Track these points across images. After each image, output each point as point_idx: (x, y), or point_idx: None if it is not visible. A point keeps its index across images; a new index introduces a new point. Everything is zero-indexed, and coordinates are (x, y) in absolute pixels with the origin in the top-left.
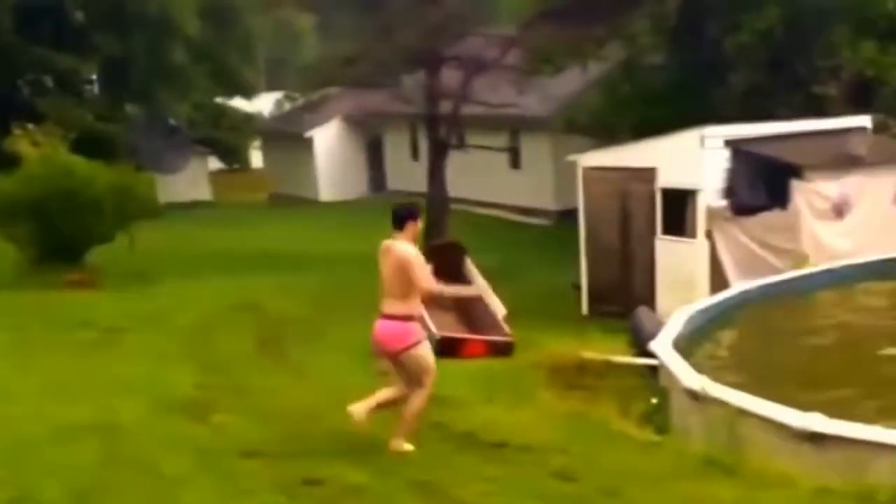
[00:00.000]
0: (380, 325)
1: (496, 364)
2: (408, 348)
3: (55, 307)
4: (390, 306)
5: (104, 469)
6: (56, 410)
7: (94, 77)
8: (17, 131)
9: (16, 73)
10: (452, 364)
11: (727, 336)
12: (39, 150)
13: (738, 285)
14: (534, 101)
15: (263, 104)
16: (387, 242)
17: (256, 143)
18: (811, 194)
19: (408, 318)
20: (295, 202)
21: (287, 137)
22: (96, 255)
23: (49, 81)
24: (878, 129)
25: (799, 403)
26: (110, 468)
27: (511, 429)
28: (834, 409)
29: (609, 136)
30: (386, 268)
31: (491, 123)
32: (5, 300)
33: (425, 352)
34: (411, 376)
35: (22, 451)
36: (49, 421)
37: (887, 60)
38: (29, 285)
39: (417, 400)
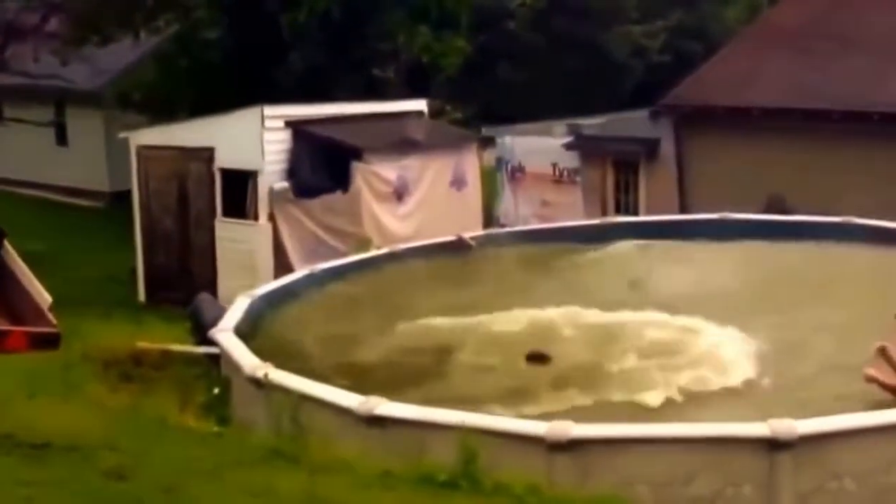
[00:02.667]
0: None
1: (41, 357)
2: None
3: None
4: None
5: None
6: None
7: None
8: None
9: None
10: None
11: (291, 321)
12: None
13: (303, 269)
14: (82, 72)
15: None
16: None
17: None
18: (372, 177)
19: None
20: None
21: None
22: None
23: None
24: (435, 113)
25: (360, 388)
26: None
27: (56, 427)
28: (395, 392)
29: (166, 113)
30: None
31: (33, 96)
32: None
33: None
34: None
35: None
36: None
37: (440, 47)
38: None
39: None
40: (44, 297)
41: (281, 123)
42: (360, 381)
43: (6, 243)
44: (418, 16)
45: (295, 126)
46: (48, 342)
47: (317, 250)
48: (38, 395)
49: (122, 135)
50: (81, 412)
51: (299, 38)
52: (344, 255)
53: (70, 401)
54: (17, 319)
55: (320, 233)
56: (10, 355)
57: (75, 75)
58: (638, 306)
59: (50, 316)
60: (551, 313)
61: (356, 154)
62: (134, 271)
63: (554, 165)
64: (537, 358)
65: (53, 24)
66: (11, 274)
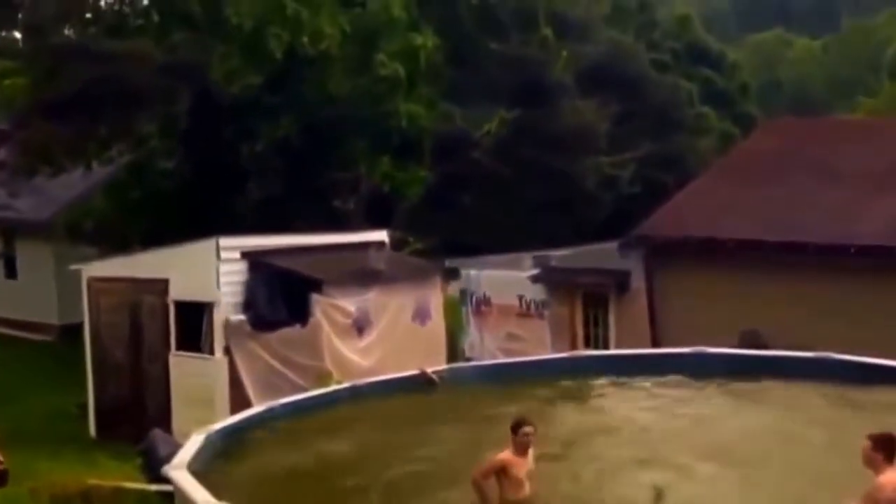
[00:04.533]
0: None
1: None
2: None
3: None
4: None
5: None
6: None
7: None
8: None
9: None
10: None
11: (249, 458)
12: None
13: (261, 404)
14: (31, 203)
15: None
16: None
17: None
18: (331, 309)
19: None
20: None
21: None
22: None
23: None
24: (397, 244)
25: None
26: None
27: None
28: None
29: (118, 244)
30: None
31: None
32: None
33: None
34: None
35: None
36: None
37: (402, 176)
38: None
39: None
40: None
41: (237, 255)
42: None
43: None
44: (380, 144)
45: (252, 257)
46: None
47: (275, 384)
48: None
49: (73, 266)
50: None
51: (257, 167)
52: (303, 389)
53: None
54: None
55: (278, 366)
56: None
57: (24, 206)
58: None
59: None
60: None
61: (315, 286)
62: (84, 406)
63: (520, 298)
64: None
65: (2, 154)
66: None
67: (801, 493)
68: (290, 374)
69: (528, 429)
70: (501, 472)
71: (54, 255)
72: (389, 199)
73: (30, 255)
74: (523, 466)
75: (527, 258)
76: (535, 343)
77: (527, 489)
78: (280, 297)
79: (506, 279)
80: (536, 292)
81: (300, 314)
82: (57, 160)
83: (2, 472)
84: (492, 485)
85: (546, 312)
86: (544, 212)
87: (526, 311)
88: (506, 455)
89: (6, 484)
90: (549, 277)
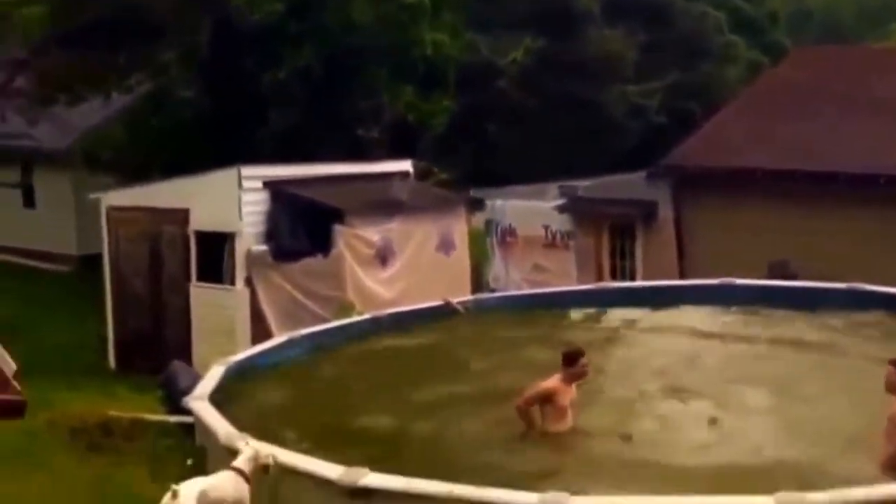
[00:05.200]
0: None
1: (4, 427)
2: None
3: None
4: None
5: None
6: None
7: None
8: None
9: None
10: None
11: (270, 389)
12: None
13: (283, 335)
14: (50, 132)
15: None
16: None
17: None
18: (354, 240)
19: None
20: None
21: None
22: None
23: None
24: (421, 174)
25: (346, 458)
26: None
27: (21, 501)
28: (381, 463)
29: (137, 173)
30: None
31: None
32: None
33: None
34: None
35: None
36: None
37: (427, 106)
38: None
39: None
40: (8, 365)
41: (259, 184)
42: (342, 451)
43: None
44: (403, 73)
45: (274, 187)
46: (12, 410)
47: (297, 315)
48: (4, 468)
49: (92, 196)
50: (50, 485)
51: (279, 96)
52: (325, 320)
53: (37, 472)
54: None
55: (300, 297)
56: None
57: (43, 135)
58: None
59: (14, 383)
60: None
61: (338, 216)
62: (103, 338)
63: (546, 229)
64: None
65: (20, 82)
66: None
67: (837, 422)
68: (312, 305)
69: (585, 360)
70: (547, 400)
71: (73, 184)
72: (413, 129)
73: (48, 185)
74: (569, 395)
75: (552, 188)
76: (560, 274)
77: (569, 419)
78: (302, 227)
79: (531, 210)
80: (562, 223)
81: (322, 245)
82: (76, 89)
83: (19, 403)
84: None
85: (572, 243)
86: (570, 141)
87: (551, 242)
88: (554, 383)
89: (23, 415)
90: (576, 208)
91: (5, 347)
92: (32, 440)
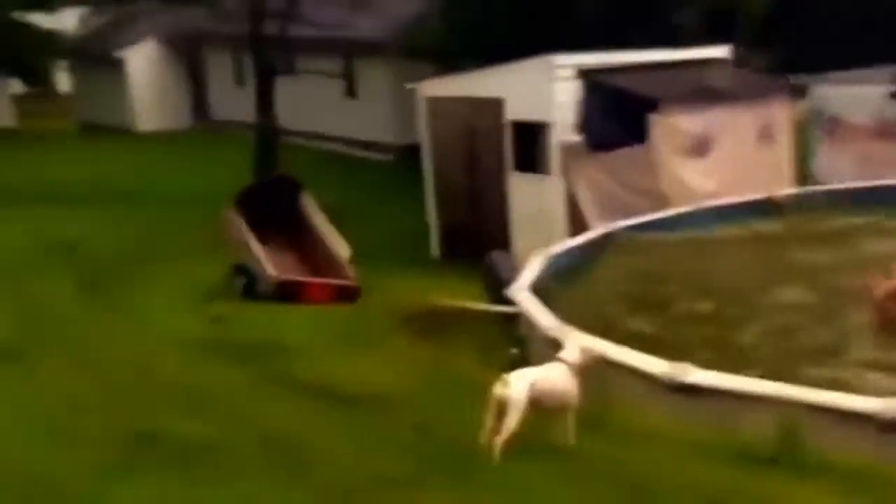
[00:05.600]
0: None
1: (342, 310)
2: None
3: None
4: None
5: None
6: None
7: None
8: None
9: None
10: (292, 309)
11: (590, 281)
12: None
13: (600, 226)
14: (370, 22)
15: (69, 20)
16: None
17: (63, 64)
18: (670, 130)
19: None
20: (108, 131)
21: (95, 58)
22: None
23: None
24: (739, 61)
25: (666, 352)
26: None
27: (362, 379)
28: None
29: (453, 63)
30: None
31: (322, 47)
32: None
33: None
34: None
35: None
36: None
37: None
38: None
39: None
40: (343, 250)
41: (572, 73)
42: (663, 347)
43: (305, 196)
44: None
45: (587, 76)
46: (347, 295)
47: (613, 207)
48: (341, 348)
49: (409, 85)
50: (384, 366)
51: None
52: (641, 212)
53: (372, 353)
54: (317, 271)
55: (616, 188)
56: (309, 307)
57: (363, 25)
58: None
59: (349, 269)
60: None
61: (653, 105)
62: (425, 226)
63: (877, 117)
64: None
65: None
66: (311, 226)
67: None
68: (628, 197)
69: None
70: None
71: (391, 74)
72: (730, 13)
73: (368, 75)
74: None
75: (881, 74)
76: (893, 166)
77: None
78: (616, 116)
79: (861, 96)
80: (894, 110)
81: (637, 134)
82: None
83: (354, 288)
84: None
85: None
86: None
87: (882, 132)
88: None
89: (357, 300)
90: None
91: (338, 232)
92: (366, 323)
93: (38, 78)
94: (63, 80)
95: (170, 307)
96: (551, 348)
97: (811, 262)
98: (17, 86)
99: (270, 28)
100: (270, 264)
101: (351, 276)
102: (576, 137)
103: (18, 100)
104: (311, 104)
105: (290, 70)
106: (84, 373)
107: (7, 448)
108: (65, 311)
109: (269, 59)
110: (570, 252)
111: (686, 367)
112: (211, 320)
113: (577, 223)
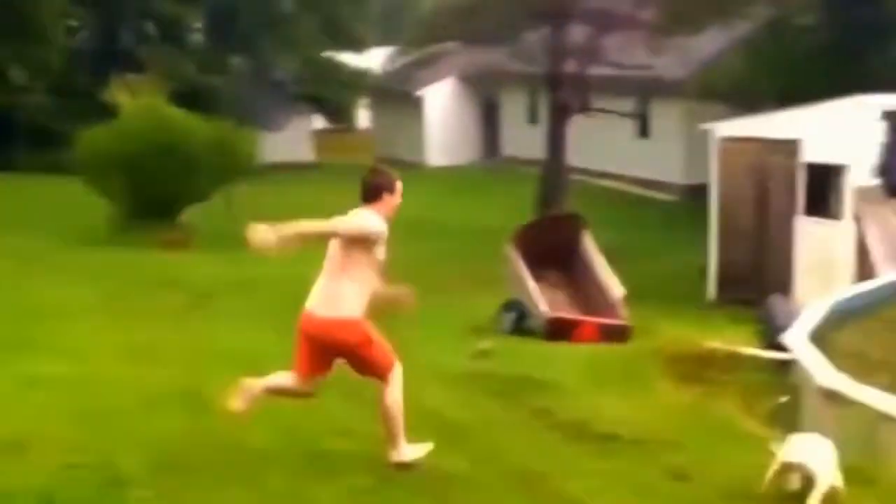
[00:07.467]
0: None
1: (610, 349)
2: None
3: (146, 267)
4: None
5: (188, 441)
6: (140, 374)
7: (199, 26)
8: (116, 81)
9: (117, 20)
10: (561, 347)
11: (872, 331)
12: (138, 102)
13: (888, 274)
14: (667, 63)
15: (374, 60)
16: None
17: (364, 101)
18: None
19: None
20: (403, 166)
21: (397, 96)
22: (191, 214)
23: (152, 29)
24: None
25: None
26: (194, 440)
27: (623, 420)
28: None
29: (750, 104)
30: None
31: (617, 86)
32: (97, 257)
33: None
34: None
35: (104, 417)
36: (133, 386)
37: None
38: (121, 242)
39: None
40: (617, 290)
41: (877, 115)
42: None
43: (585, 233)
44: None
45: (893, 117)
46: (618, 334)
47: None
48: (606, 388)
49: (704, 126)
50: (647, 407)
51: None
52: None
53: (636, 395)
54: (590, 310)
55: None
56: (579, 345)
57: (661, 65)
58: None
59: (621, 308)
60: None
61: None
62: (704, 268)
63: None
64: None
65: (644, 13)
66: (589, 264)
67: None
68: None
69: None
70: None
71: (685, 114)
72: None
73: (662, 115)
74: None
75: None
76: None
77: None
78: None
79: None
80: None
81: None
82: (698, 18)
83: (625, 327)
84: None
85: None
86: None
87: None
88: None
89: (627, 340)
90: None
91: (615, 271)
92: (633, 364)
93: (341, 114)
94: (363, 117)
95: (437, 339)
96: (823, 398)
97: None
98: (318, 121)
99: (569, 67)
100: (543, 301)
101: (623, 316)
102: (872, 181)
103: (319, 135)
104: (602, 143)
105: (585, 109)
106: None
107: (270, 471)
108: None
109: (565, 98)
110: (855, 299)
111: None
112: (477, 354)
113: (865, 270)
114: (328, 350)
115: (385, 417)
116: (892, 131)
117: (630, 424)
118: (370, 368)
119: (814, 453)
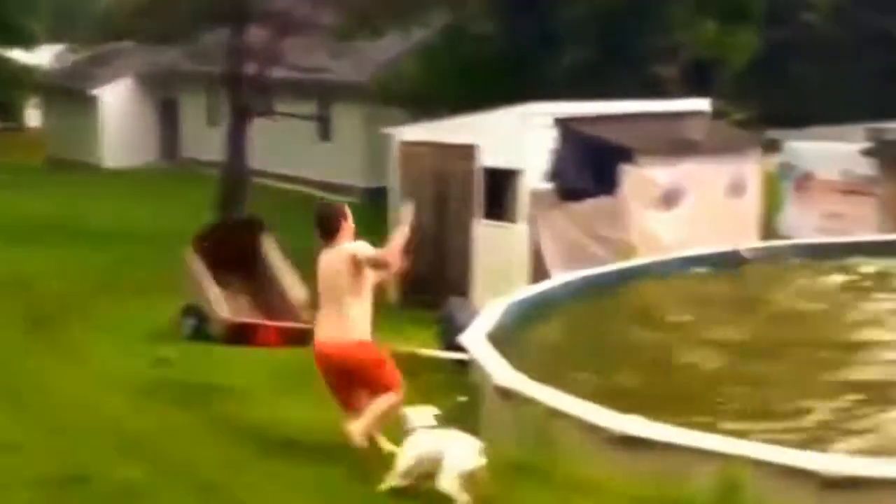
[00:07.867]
0: None
1: (292, 353)
2: None
3: None
4: None
5: None
6: None
7: None
8: None
9: None
10: (244, 352)
11: (545, 330)
12: None
13: (561, 275)
14: (348, 66)
15: (45, 56)
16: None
17: (34, 100)
18: (641, 180)
19: None
20: (76, 167)
21: (70, 95)
22: None
23: None
24: (717, 114)
25: (615, 404)
26: None
27: (305, 425)
28: (652, 413)
29: (426, 109)
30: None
31: (298, 89)
32: None
33: None
34: None
35: None
36: None
37: (729, 41)
38: None
39: None
40: (300, 293)
41: (547, 121)
42: (616, 398)
43: (265, 238)
44: (704, 8)
45: (563, 124)
46: (300, 338)
47: (577, 256)
48: (287, 393)
49: (385, 130)
50: (329, 411)
51: (574, 33)
52: (605, 262)
53: (318, 400)
54: (272, 314)
55: (583, 239)
56: (259, 349)
57: (341, 68)
58: None
59: (303, 312)
60: None
61: (626, 156)
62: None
63: (846, 173)
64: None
65: (325, 16)
66: (271, 268)
67: None
68: (594, 247)
69: None
70: None
71: (365, 118)
72: (710, 66)
73: (343, 118)
74: None
75: (856, 131)
76: (859, 222)
77: None
78: (589, 166)
79: (832, 152)
80: (864, 168)
81: (608, 185)
82: (378, 23)
83: (306, 331)
84: None
85: (876, 190)
86: (881, 81)
87: (851, 189)
88: None
89: (309, 344)
90: (884, 152)
91: (299, 275)
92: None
93: (9, 112)
94: (33, 116)
95: (116, 347)
96: (501, 396)
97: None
98: None
99: (248, 69)
100: (223, 305)
101: (305, 320)
102: (546, 185)
103: None
104: (283, 146)
105: (265, 111)
106: (23, 414)
107: None
108: (8, 350)
109: (245, 101)
110: (529, 300)
111: (631, 418)
112: (157, 361)
113: (539, 272)
114: (351, 372)
115: (372, 408)
116: (563, 138)
117: (313, 429)
118: (380, 387)
119: (438, 444)
